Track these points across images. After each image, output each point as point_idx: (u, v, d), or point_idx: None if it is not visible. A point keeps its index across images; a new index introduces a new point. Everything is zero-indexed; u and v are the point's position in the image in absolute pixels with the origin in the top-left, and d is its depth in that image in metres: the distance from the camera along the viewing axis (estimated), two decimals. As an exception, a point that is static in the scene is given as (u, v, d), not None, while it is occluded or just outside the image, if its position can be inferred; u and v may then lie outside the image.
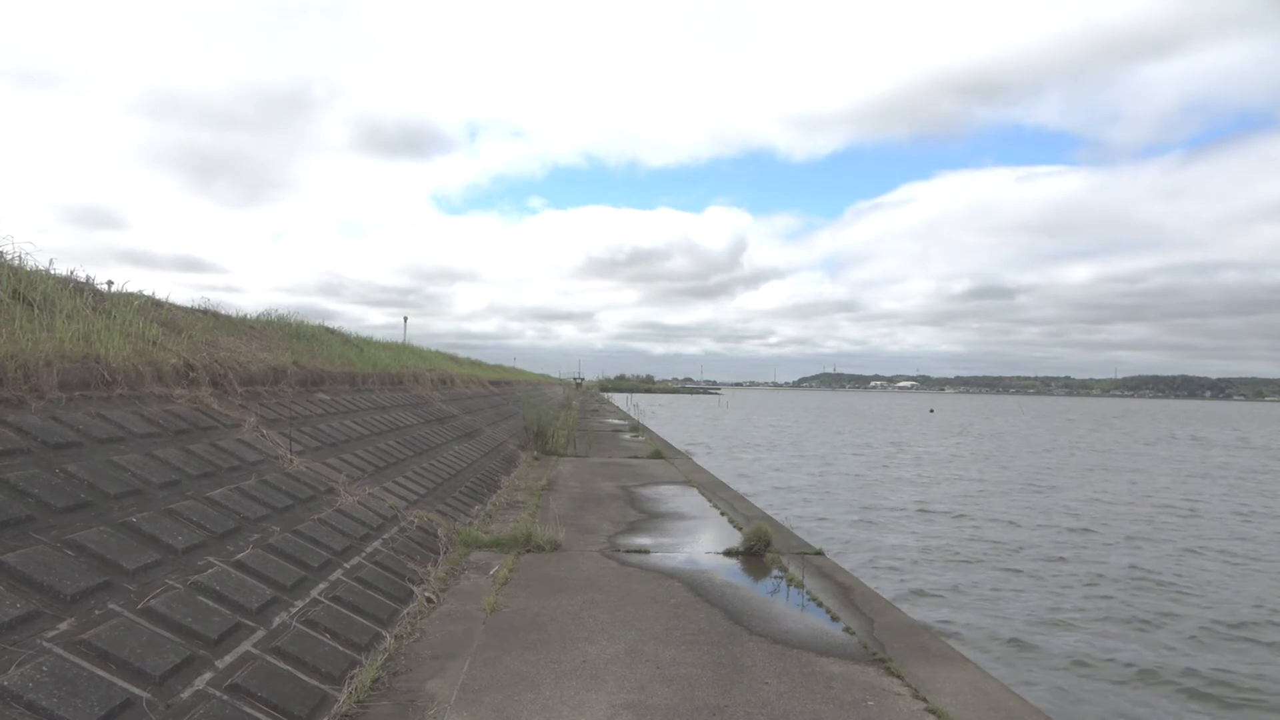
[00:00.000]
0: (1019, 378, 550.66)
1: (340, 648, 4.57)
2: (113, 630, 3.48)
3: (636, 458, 17.80)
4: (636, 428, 29.27)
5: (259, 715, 3.57)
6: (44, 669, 3.04)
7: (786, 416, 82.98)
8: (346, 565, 5.78)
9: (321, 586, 5.19)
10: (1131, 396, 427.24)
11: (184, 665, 3.57)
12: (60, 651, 3.19)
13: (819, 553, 8.44)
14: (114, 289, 8.29)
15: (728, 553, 8.11)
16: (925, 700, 4.48)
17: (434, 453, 11.63)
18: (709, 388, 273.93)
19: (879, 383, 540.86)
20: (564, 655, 5.00)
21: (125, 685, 3.22)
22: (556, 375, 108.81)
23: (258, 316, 12.90)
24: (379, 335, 20.27)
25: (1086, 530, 17.69)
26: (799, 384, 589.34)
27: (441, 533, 7.80)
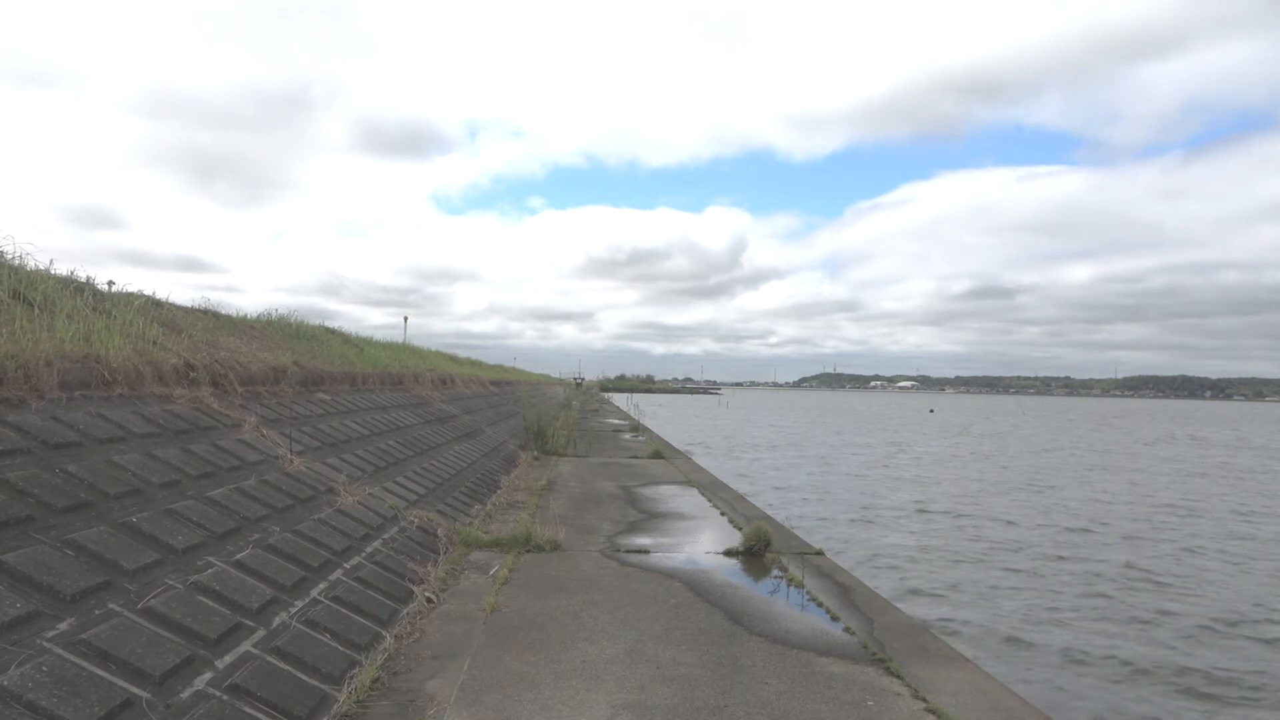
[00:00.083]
0: (1019, 378, 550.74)
1: (340, 648, 4.58)
2: (113, 630, 3.48)
3: (636, 458, 17.80)
4: (636, 428, 29.27)
5: (259, 715, 3.57)
6: (44, 669, 3.04)
7: (786, 416, 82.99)
8: (346, 565, 5.78)
9: (321, 586, 5.19)
10: (1131, 396, 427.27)
11: (184, 665, 3.57)
12: (60, 651, 3.19)
13: (819, 553, 8.44)
14: (114, 289, 8.29)
15: (728, 553, 8.11)
16: (925, 700, 4.49)
17: (434, 453, 11.63)
18: (709, 388, 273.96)
19: (879, 383, 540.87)
20: (564, 655, 5.00)
21: (125, 685, 3.23)
22: (556, 375, 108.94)
23: (258, 316, 12.91)
24: (379, 335, 20.29)
25: (1085, 530, 17.70)
26: (799, 384, 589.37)
27: (441, 533, 7.80)
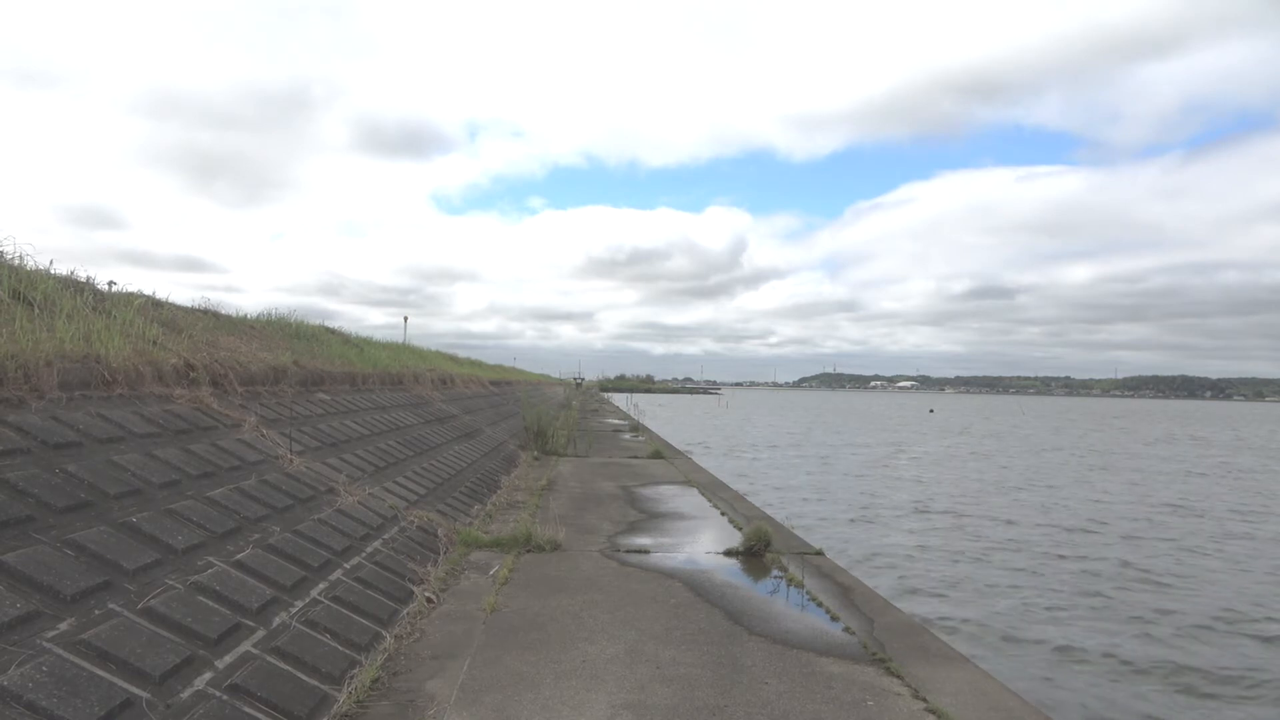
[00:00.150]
0: (1019, 378, 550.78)
1: (340, 648, 4.58)
2: (113, 630, 3.48)
3: (636, 458, 17.80)
4: (636, 428, 29.27)
5: (259, 715, 3.57)
6: (44, 669, 3.04)
7: (786, 416, 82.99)
8: (346, 565, 5.78)
9: (321, 586, 5.19)
10: (1131, 396, 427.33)
11: (184, 665, 3.57)
12: (60, 651, 3.19)
13: (819, 553, 8.44)
14: (114, 289, 8.29)
15: (728, 553, 8.11)
16: (925, 700, 4.49)
17: (434, 453, 11.63)
18: (709, 388, 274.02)
19: (879, 383, 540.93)
20: (564, 655, 5.00)
21: (125, 685, 3.23)
22: (556, 375, 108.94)
23: (258, 316, 12.91)
24: (379, 335, 20.29)
25: (1084, 530, 17.71)
26: (799, 384, 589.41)
27: (441, 533, 7.80)
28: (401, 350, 20.81)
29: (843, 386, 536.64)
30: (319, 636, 4.54)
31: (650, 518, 10.18)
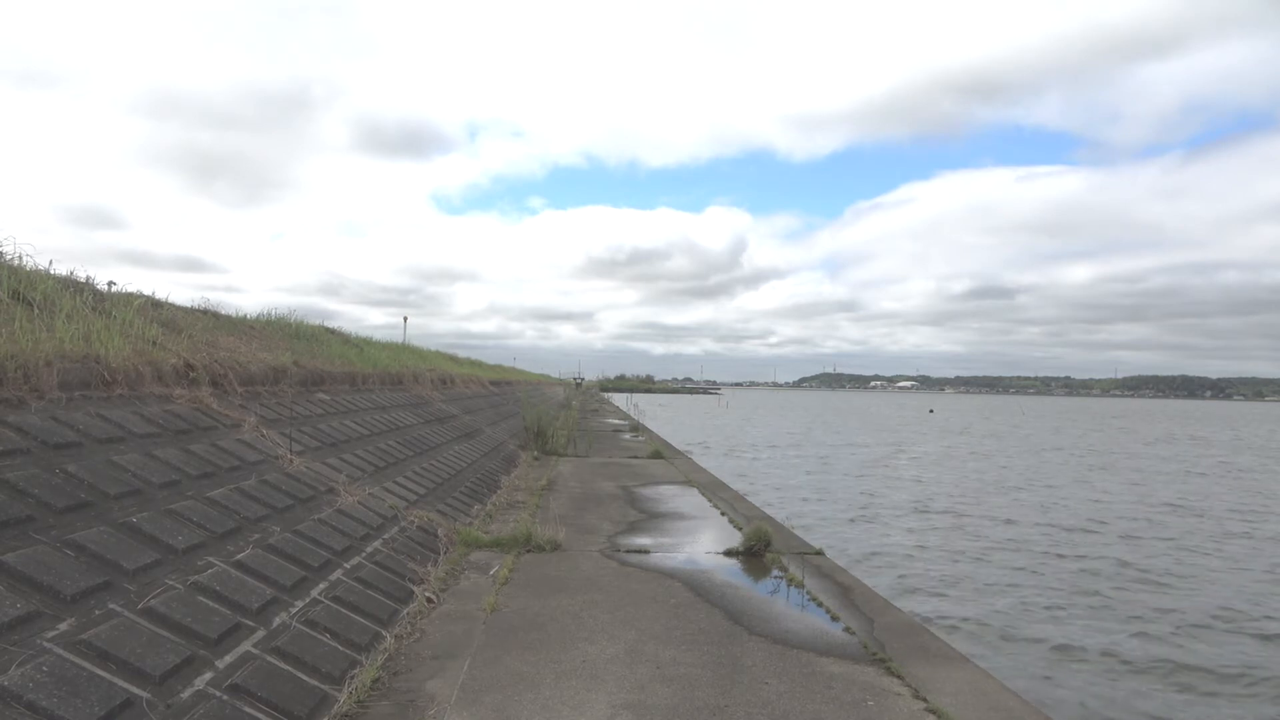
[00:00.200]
0: (1019, 378, 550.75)
1: (340, 648, 4.57)
2: (113, 630, 3.48)
3: (636, 458, 17.80)
4: (636, 428, 29.27)
5: (259, 715, 3.57)
6: (44, 669, 3.04)
7: (786, 416, 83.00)
8: (346, 565, 5.78)
9: (321, 586, 5.19)
10: (1131, 396, 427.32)
11: (184, 665, 3.57)
12: (60, 651, 3.19)
13: (819, 552, 8.44)
14: (114, 289, 8.29)
15: (728, 553, 8.11)
16: (925, 700, 4.49)
17: (434, 453, 11.63)
18: (709, 388, 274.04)
19: (879, 383, 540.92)
20: (564, 655, 5.00)
21: (125, 685, 3.23)
22: (556, 375, 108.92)
23: (258, 316, 12.91)
24: (379, 335, 20.29)
25: (1083, 529, 17.71)
26: (799, 384, 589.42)
27: (441, 533, 7.80)
28: (401, 350, 20.81)
29: (843, 386, 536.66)
30: (319, 636, 4.54)
31: (650, 518, 10.18)
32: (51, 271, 7.11)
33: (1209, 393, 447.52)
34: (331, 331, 15.59)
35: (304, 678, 4.07)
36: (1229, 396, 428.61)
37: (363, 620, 5.07)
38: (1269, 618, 10.97)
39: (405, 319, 50.81)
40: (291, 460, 7.04)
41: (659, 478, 14.26)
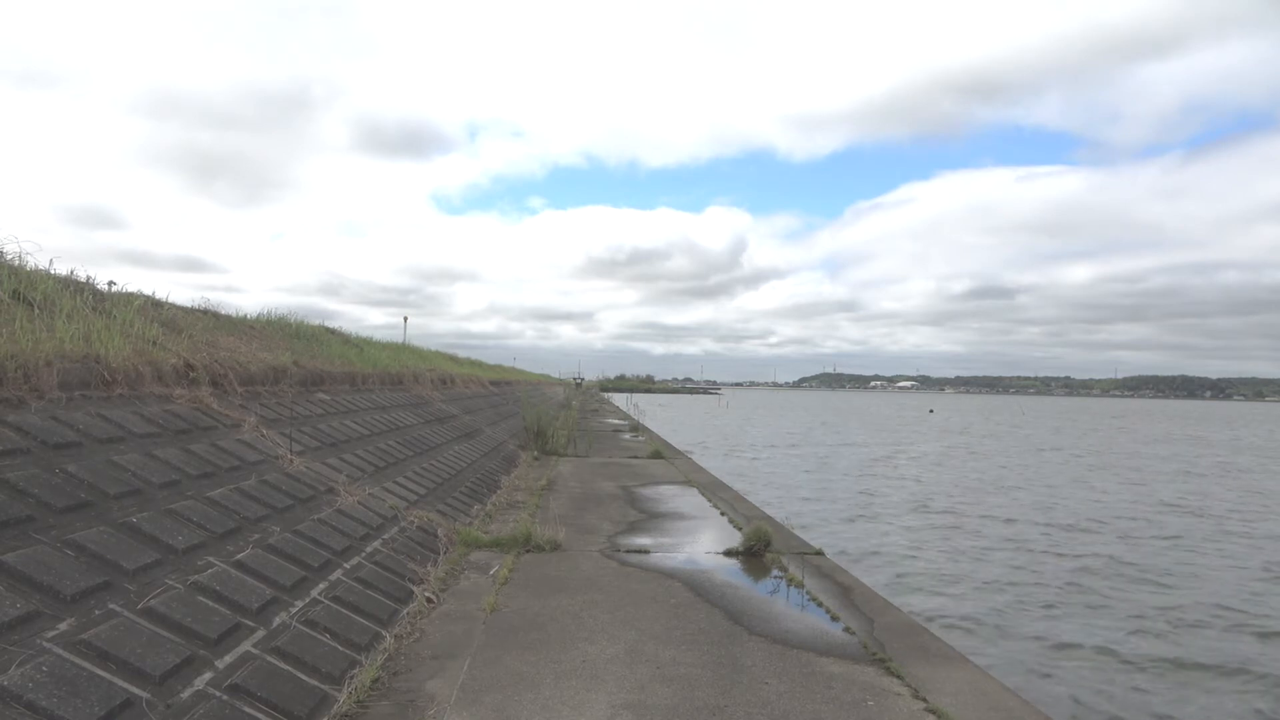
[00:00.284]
0: (1019, 378, 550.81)
1: (340, 648, 4.58)
2: (113, 630, 3.48)
3: (636, 458, 17.80)
4: (636, 428, 29.27)
5: (259, 715, 3.57)
6: (44, 669, 3.04)
7: (786, 416, 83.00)
8: (346, 565, 5.78)
9: (321, 586, 5.19)
10: (1131, 396, 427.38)
11: (184, 665, 3.57)
12: (60, 651, 3.19)
13: (819, 552, 8.44)
14: (114, 289, 8.29)
15: (728, 553, 8.11)
16: (925, 700, 4.49)
17: (434, 453, 11.63)
18: (709, 388, 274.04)
19: (879, 383, 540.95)
20: (564, 655, 5.00)
21: (125, 685, 3.23)
22: (556, 375, 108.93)
23: (258, 316, 12.91)
24: (379, 335, 20.29)
25: (1082, 528, 17.72)
26: (799, 384, 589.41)
27: (441, 533, 7.80)
28: (401, 350, 20.81)
29: (843, 386, 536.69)
30: (319, 636, 4.54)
31: (650, 518, 10.18)
32: (52, 271, 7.11)
33: (1209, 393, 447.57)
34: (331, 331, 15.59)
35: (304, 678, 4.07)
36: (1229, 396, 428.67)
37: (362, 620, 5.08)
38: (1266, 616, 11.00)
39: (405, 319, 50.86)
40: (291, 460, 7.04)
41: (659, 478, 14.26)
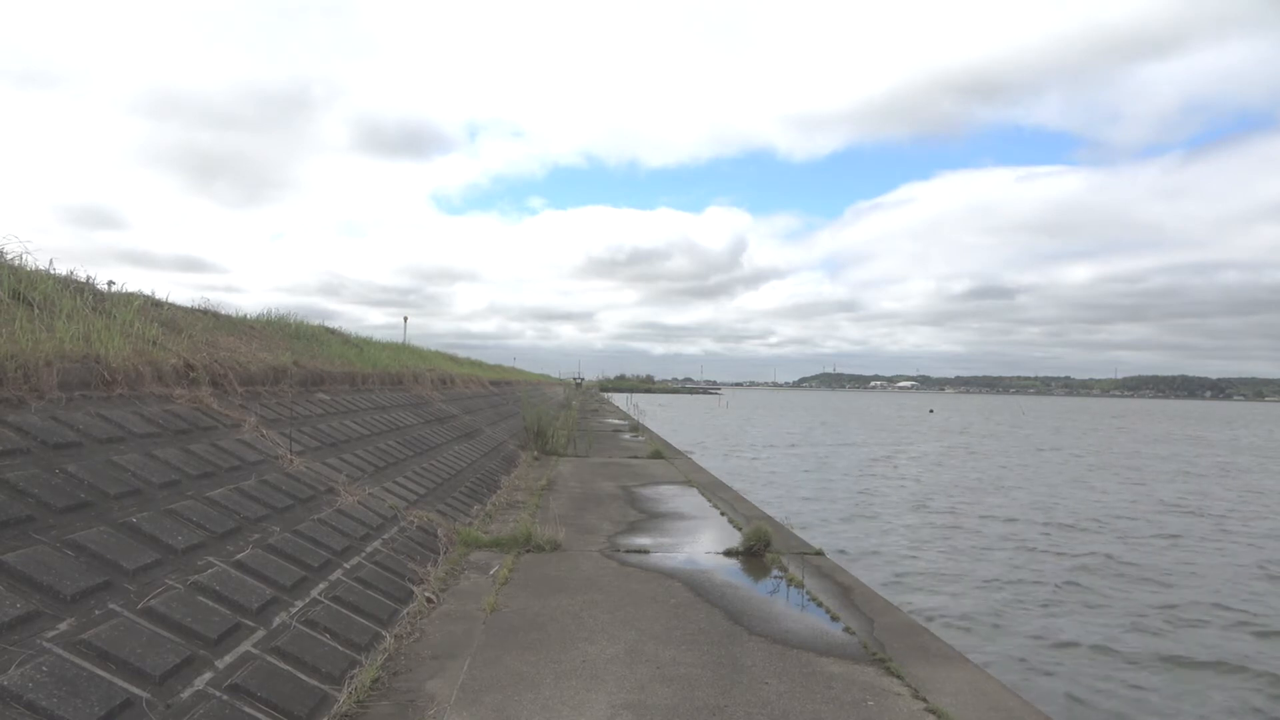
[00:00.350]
0: (1019, 378, 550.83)
1: (340, 648, 4.58)
2: (113, 630, 3.48)
3: (636, 458, 17.80)
4: (636, 428, 29.27)
5: (259, 715, 3.57)
6: (44, 669, 3.04)
7: (786, 416, 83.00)
8: (346, 565, 5.78)
9: (321, 586, 5.19)
10: (1131, 396, 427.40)
11: (184, 665, 3.57)
12: (60, 651, 3.19)
13: (819, 552, 8.44)
14: (114, 289, 8.29)
15: (728, 553, 8.11)
16: (925, 700, 4.49)
17: (434, 453, 11.63)
18: (709, 388, 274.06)
19: (879, 383, 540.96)
20: (564, 655, 5.00)
21: (125, 685, 3.23)
22: (556, 375, 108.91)
23: (258, 316, 12.91)
24: (379, 335, 20.29)
25: (1081, 527, 17.72)
26: (799, 384, 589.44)
27: (441, 533, 7.80)
28: (401, 350, 20.81)
29: (843, 386, 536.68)
30: (319, 636, 4.55)
31: (650, 518, 10.18)
32: (52, 271, 7.11)
33: (1209, 393, 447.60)
34: (331, 331, 15.59)
35: (304, 678, 4.07)
36: (1229, 396, 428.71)
37: (362, 620, 5.08)
38: (1264, 614, 11.01)
39: (405, 319, 50.85)
40: (291, 460, 7.04)
41: (659, 478, 14.26)
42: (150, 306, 8.36)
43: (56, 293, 6.51)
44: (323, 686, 4.09)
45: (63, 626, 3.34)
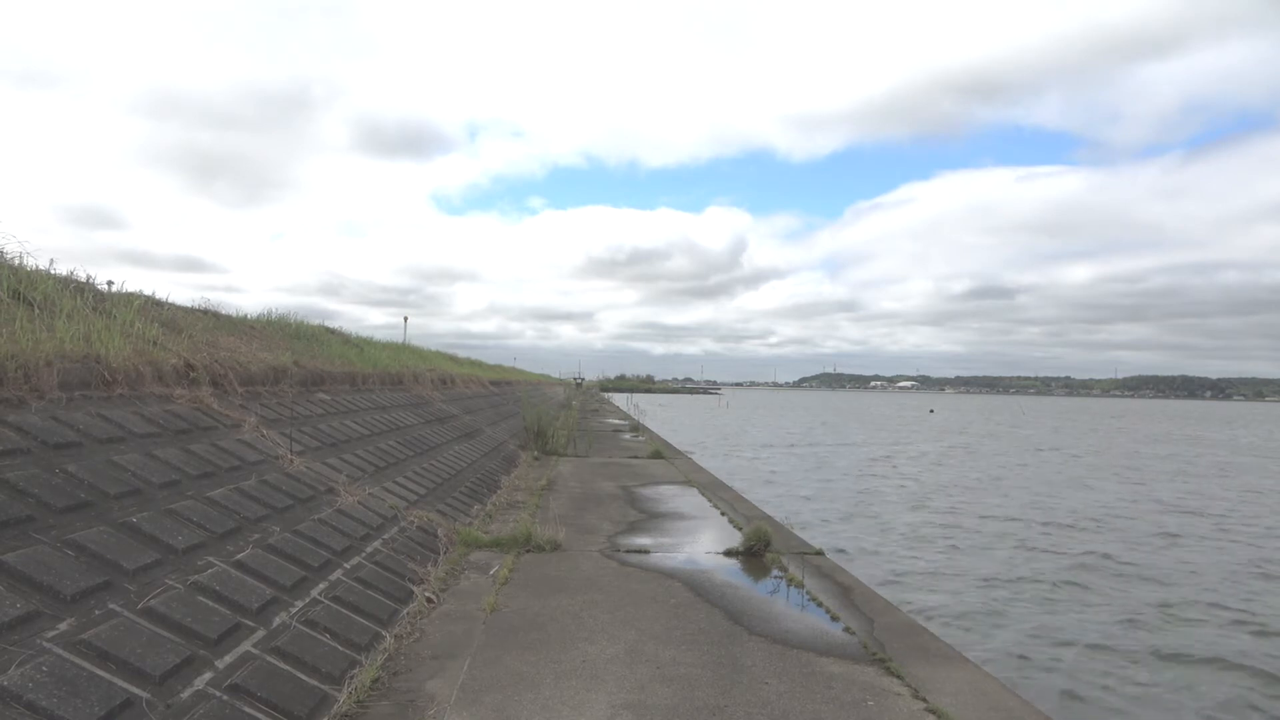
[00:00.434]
0: (1019, 378, 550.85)
1: (340, 648, 4.58)
2: (113, 630, 3.49)
3: (636, 458, 17.80)
4: (636, 428, 29.27)
5: (259, 715, 3.57)
6: (44, 669, 3.04)
7: (786, 416, 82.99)
8: (346, 565, 5.78)
9: (321, 586, 5.20)
10: (1131, 397, 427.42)
11: (184, 665, 3.57)
12: (60, 651, 3.19)
13: (819, 552, 8.44)
14: (114, 289, 8.29)
15: (728, 553, 8.11)
16: (925, 700, 4.49)
17: (434, 453, 11.63)
18: (709, 388, 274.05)
19: (879, 383, 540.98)
20: (564, 655, 5.00)
21: (125, 685, 3.23)
22: (556, 375, 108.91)
23: (258, 316, 12.91)
24: (379, 335, 20.29)
25: (1080, 527, 17.72)
26: (799, 384, 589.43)
27: (441, 533, 7.80)
28: (402, 350, 20.81)
29: (843, 386, 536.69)
30: (319, 636, 4.55)
31: (650, 518, 10.19)
32: (52, 271, 7.11)
33: (1209, 393, 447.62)
34: (332, 331, 15.59)
35: (304, 678, 4.07)
36: (1229, 397, 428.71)
37: (363, 620, 5.08)
38: (1262, 613, 11.03)
39: (405, 319, 50.80)
40: (291, 460, 7.04)
41: (659, 478, 14.26)
42: (150, 306, 8.36)
43: (57, 293, 6.51)
44: (323, 686, 4.10)
45: (63, 626, 3.34)
